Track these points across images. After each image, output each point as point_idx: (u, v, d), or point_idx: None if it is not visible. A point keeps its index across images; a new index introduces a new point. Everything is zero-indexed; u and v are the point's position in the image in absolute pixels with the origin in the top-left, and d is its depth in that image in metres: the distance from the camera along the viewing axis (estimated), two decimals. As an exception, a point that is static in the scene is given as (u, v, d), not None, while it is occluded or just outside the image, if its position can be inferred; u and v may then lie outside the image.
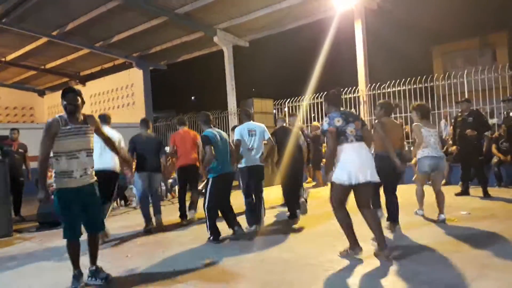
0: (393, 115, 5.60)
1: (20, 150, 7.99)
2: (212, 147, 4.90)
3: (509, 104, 6.89)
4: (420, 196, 5.58)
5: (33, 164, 6.94)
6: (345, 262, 3.88)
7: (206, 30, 12.96)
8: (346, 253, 4.04)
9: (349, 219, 4.03)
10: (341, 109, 4.17)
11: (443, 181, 8.43)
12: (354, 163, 3.85)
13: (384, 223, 4.77)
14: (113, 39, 13.79)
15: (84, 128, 3.60)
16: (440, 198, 5.33)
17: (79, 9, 11.72)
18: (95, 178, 3.75)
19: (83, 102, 3.65)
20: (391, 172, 4.62)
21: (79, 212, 3.59)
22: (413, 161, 9.27)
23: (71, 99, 3.54)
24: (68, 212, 3.55)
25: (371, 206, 4.12)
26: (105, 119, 5.80)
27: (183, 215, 6.36)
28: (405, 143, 5.24)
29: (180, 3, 11.36)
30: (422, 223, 5.33)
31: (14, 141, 8.00)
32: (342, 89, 4.34)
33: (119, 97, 16.56)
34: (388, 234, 4.68)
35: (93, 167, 3.70)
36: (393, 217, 4.97)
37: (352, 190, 3.95)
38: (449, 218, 5.39)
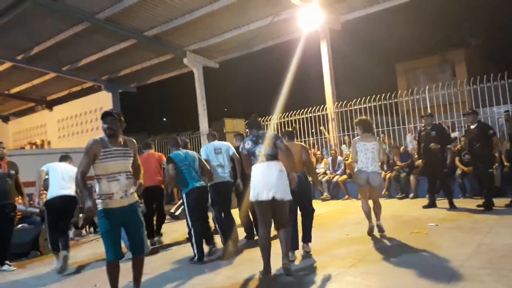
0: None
1: (12, 172, 5.90)
2: (175, 165, 5.12)
3: (469, 117, 7.16)
4: (366, 211, 5.59)
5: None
6: (317, 281, 3.90)
7: (175, 52, 13.03)
8: (260, 275, 4.07)
9: (267, 241, 4.06)
10: (259, 131, 4.33)
11: (410, 195, 8.69)
12: (258, 181, 4.07)
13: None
14: (81, 62, 13.64)
15: (124, 151, 3.61)
16: (376, 208, 5.43)
17: (44, 33, 11.57)
18: (137, 198, 3.70)
19: (122, 124, 3.65)
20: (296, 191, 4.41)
21: (119, 233, 3.57)
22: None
23: (110, 123, 3.56)
24: (108, 233, 3.51)
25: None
26: (64, 159, 5.98)
27: (151, 236, 6.26)
28: (308, 162, 5.09)
29: (149, 25, 11.42)
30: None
31: (1, 160, 5.87)
32: (255, 114, 4.56)
33: (88, 121, 16.23)
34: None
35: (133, 188, 3.65)
36: (303, 237, 4.86)
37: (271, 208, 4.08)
38: (418, 230, 5.53)
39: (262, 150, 4.13)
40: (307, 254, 4.80)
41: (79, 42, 11.98)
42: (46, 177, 5.64)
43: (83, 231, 8.28)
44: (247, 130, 4.51)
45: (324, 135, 11.52)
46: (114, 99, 15.66)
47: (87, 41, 12.00)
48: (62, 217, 5.52)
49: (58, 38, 11.61)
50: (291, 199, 4.15)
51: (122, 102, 16.26)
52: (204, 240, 5.25)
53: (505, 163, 7.64)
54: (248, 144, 4.25)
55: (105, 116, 3.59)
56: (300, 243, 4.84)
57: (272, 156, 4.13)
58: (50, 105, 17.94)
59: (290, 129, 5.77)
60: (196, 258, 5.00)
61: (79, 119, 16.81)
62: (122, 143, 3.63)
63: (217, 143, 6.04)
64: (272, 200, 4.00)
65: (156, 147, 14.62)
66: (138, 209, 3.67)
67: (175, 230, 7.00)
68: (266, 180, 4.03)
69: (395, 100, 10.13)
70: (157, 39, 12.15)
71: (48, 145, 17.12)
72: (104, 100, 15.85)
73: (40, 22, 10.85)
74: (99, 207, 3.48)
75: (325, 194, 9.77)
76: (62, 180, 5.57)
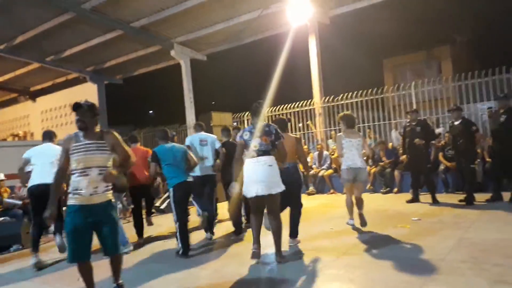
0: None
1: None
2: (159, 162, 5.16)
3: (453, 113, 7.27)
4: (349, 205, 5.66)
5: None
6: (301, 274, 3.93)
7: (162, 43, 12.86)
8: (252, 250, 4.26)
9: (257, 225, 4.29)
10: (260, 123, 4.31)
11: (394, 190, 8.81)
12: (248, 178, 4.15)
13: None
14: (66, 53, 13.35)
15: (98, 144, 3.37)
16: (359, 204, 5.47)
17: (28, 22, 11.27)
18: (110, 197, 3.48)
19: (95, 116, 3.46)
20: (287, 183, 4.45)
21: (87, 232, 3.35)
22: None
23: (81, 115, 3.39)
24: (73, 232, 3.31)
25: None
26: (49, 136, 5.66)
27: (139, 233, 6.20)
28: (301, 155, 5.14)
29: (136, 16, 11.24)
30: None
31: None
32: (261, 101, 4.51)
33: (72, 113, 15.90)
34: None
35: (107, 185, 3.43)
36: (290, 232, 4.99)
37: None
38: (402, 225, 5.61)
39: (257, 144, 4.14)
40: (292, 247, 4.84)
41: (63, 32, 11.72)
42: (30, 168, 5.33)
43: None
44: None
45: (311, 130, 11.57)
46: (99, 91, 15.42)
47: (72, 31, 11.74)
48: (43, 207, 5.32)
49: (42, 27, 11.33)
50: (283, 189, 4.18)
51: (108, 94, 16.05)
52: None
53: (487, 159, 7.79)
54: (246, 135, 4.26)
55: (75, 108, 3.40)
56: (287, 238, 4.88)
57: (264, 152, 4.15)
58: (33, 96, 17.59)
59: (283, 117, 5.73)
60: (181, 252, 4.99)
61: (63, 110, 16.54)
62: (98, 136, 3.42)
63: (203, 134, 5.99)
64: (262, 195, 4.08)
65: (141, 141, 14.50)
66: (111, 209, 3.45)
67: (160, 224, 6.96)
68: (257, 176, 4.08)
69: (382, 95, 10.22)
70: (144, 30, 11.97)
71: (31, 136, 16.80)
72: (89, 92, 15.56)
73: (24, 11, 10.58)
74: (69, 202, 3.33)
75: (311, 188, 9.83)
76: (42, 167, 5.24)
